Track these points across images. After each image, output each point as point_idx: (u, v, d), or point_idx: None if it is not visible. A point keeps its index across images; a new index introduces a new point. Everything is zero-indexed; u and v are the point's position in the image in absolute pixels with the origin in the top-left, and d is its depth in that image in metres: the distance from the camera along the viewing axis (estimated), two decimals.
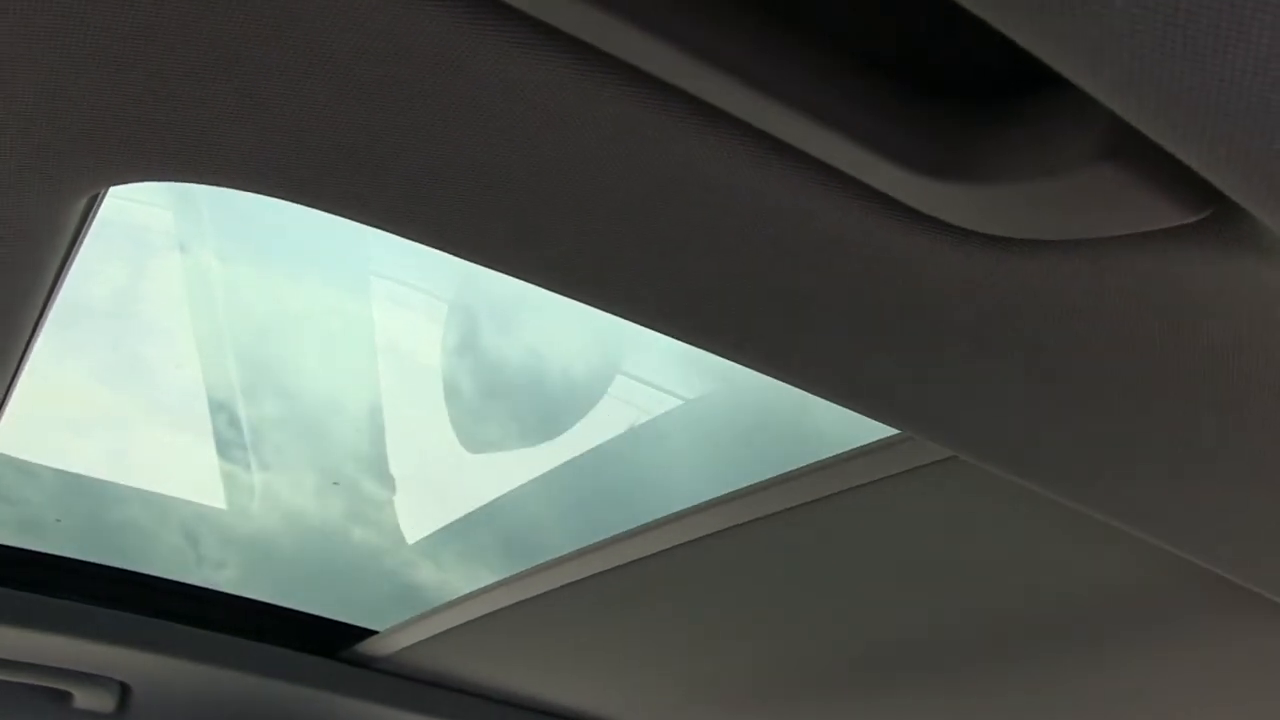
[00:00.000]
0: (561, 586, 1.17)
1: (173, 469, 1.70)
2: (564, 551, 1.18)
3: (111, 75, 0.51)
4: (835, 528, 0.97)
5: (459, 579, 1.78)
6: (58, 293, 0.72)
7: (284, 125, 0.53)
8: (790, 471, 0.94)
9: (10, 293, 0.70)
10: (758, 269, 0.57)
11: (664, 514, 1.05)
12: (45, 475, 1.64)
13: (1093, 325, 0.56)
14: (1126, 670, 1.05)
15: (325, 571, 1.77)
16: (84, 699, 1.42)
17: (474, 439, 1.68)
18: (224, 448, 1.65)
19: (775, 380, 0.67)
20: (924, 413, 0.68)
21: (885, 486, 0.89)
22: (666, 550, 1.05)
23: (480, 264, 0.61)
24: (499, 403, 1.64)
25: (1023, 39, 0.37)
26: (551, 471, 1.61)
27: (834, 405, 0.69)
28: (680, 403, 1.56)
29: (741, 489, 0.97)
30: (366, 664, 1.51)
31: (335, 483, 1.71)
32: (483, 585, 1.28)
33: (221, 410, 1.61)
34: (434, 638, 1.40)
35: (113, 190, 0.62)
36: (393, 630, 1.45)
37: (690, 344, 0.65)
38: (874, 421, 0.71)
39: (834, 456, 0.91)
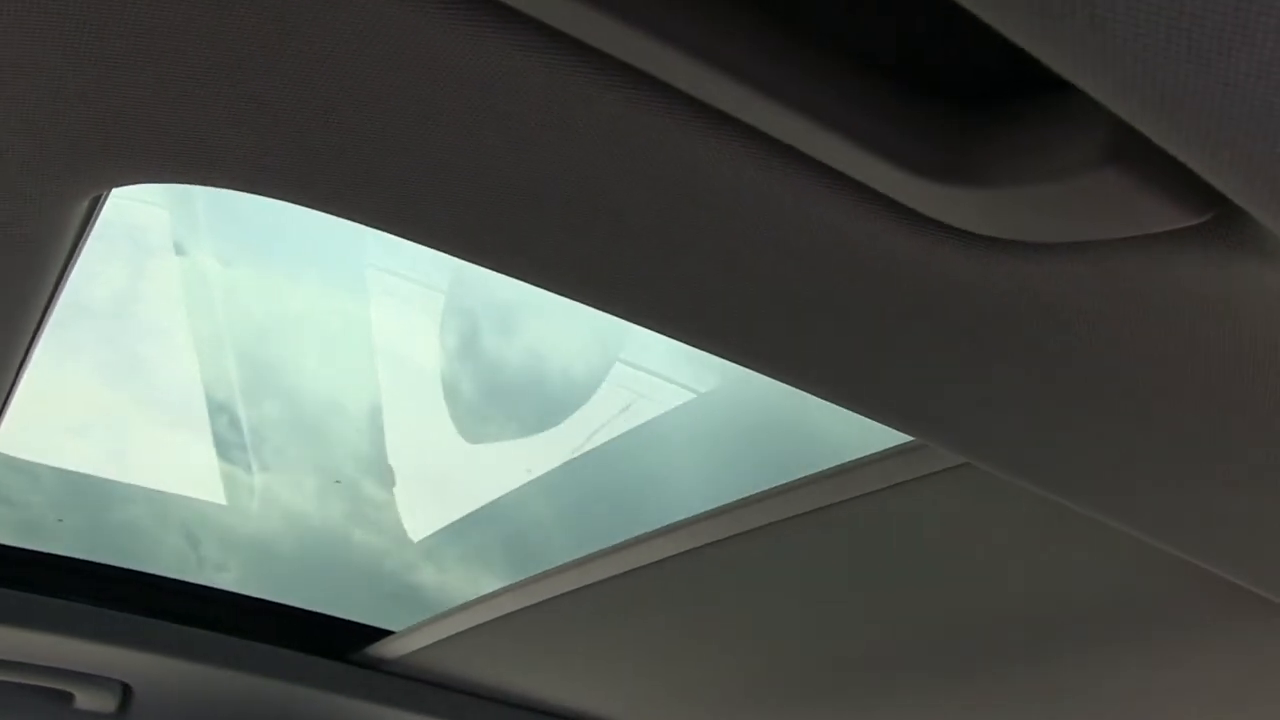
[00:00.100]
0: (569, 591, 1.18)
1: (173, 469, 1.70)
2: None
3: (113, 77, 0.51)
4: (838, 534, 0.98)
5: (459, 580, 1.78)
6: (60, 294, 0.72)
7: (285, 127, 0.53)
8: (794, 480, 0.95)
9: (12, 294, 0.70)
10: (760, 271, 0.57)
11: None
12: (46, 476, 1.64)
13: (1094, 327, 0.56)
14: (1129, 672, 1.05)
15: (326, 572, 1.77)
16: (85, 700, 1.42)
17: (474, 439, 1.68)
18: (224, 448, 1.65)
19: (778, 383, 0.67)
20: (924, 414, 0.68)
21: (891, 494, 0.89)
22: (675, 556, 1.06)
23: (482, 265, 0.61)
24: (499, 402, 1.64)
25: (1025, 42, 0.37)
26: (552, 472, 1.62)
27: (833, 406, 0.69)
28: (683, 402, 1.56)
29: (749, 496, 0.98)
30: (374, 666, 1.51)
31: (337, 481, 1.71)
32: (488, 589, 1.29)
33: (221, 411, 1.61)
34: (442, 641, 1.40)
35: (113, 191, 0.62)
36: (401, 634, 1.45)
37: (692, 346, 0.65)
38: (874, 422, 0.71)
39: (837, 466, 0.92)
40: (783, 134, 0.48)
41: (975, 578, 0.97)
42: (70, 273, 0.70)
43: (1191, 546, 0.74)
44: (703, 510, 1.04)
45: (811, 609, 1.10)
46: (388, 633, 1.54)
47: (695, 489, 1.56)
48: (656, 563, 1.08)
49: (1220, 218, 0.46)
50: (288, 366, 1.64)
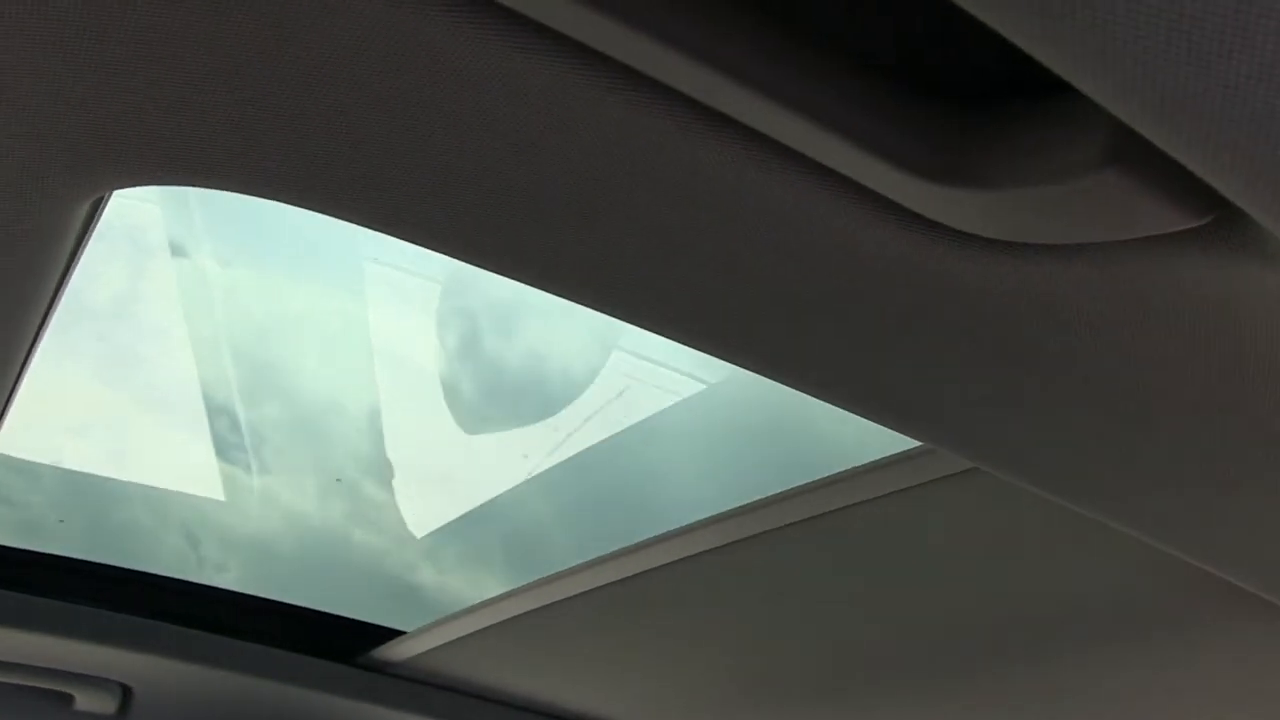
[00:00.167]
0: (575, 595, 1.18)
1: (173, 469, 1.70)
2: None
3: (113, 81, 0.51)
4: (841, 539, 0.98)
5: (459, 581, 1.78)
6: (61, 296, 0.72)
7: (285, 131, 0.53)
8: (797, 486, 0.96)
9: (14, 296, 0.70)
10: (761, 273, 0.57)
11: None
12: (47, 476, 1.64)
13: (1095, 329, 0.56)
14: (1129, 673, 1.05)
15: (326, 573, 1.77)
16: (85, 701, 1.42)
17: (475, 439, 1.68)
18: (224, 449, 1.65)
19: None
20: (924, 415, 0.68)
21: (893, 500, 0.90)
22: (681, 560, 1.06)
23: (482, 268, 0.61)
24: (499, 401, 1.64)
25: (1025, 44, 0.37)
26: (551, 470, 1.62)
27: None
28: (690, 395, 1.56)
29: (755, 501, 1.00)
30: (378, 669, 1.51)
31: (338, 479, 1.71)
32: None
33: (221, 412, 1.62)
34: (448, 644, 1.40)
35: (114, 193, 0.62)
36: (406, 637, 1.45)
37: (693, 348, 0.65)
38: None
39: (840, 472, 0.93)
40: (784, 136, 0.48)
41: (976, 580, 0.98)
42: (72, 274, 0.70)
43: (1191, 547, 0.74)
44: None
45: (814, 612, 1.10)
46: (387, 633, 1.54)
47: (698, 486, 1.57)
48: (663, 566, 1.08)
49: (1221, 220, 0.46)
50: (288, 366, 1.64)
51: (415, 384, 1.66)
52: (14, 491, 1.65)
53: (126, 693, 1.43)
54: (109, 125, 0.54)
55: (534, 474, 1.63)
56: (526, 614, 1.25)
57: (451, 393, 1.63)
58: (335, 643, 1.52)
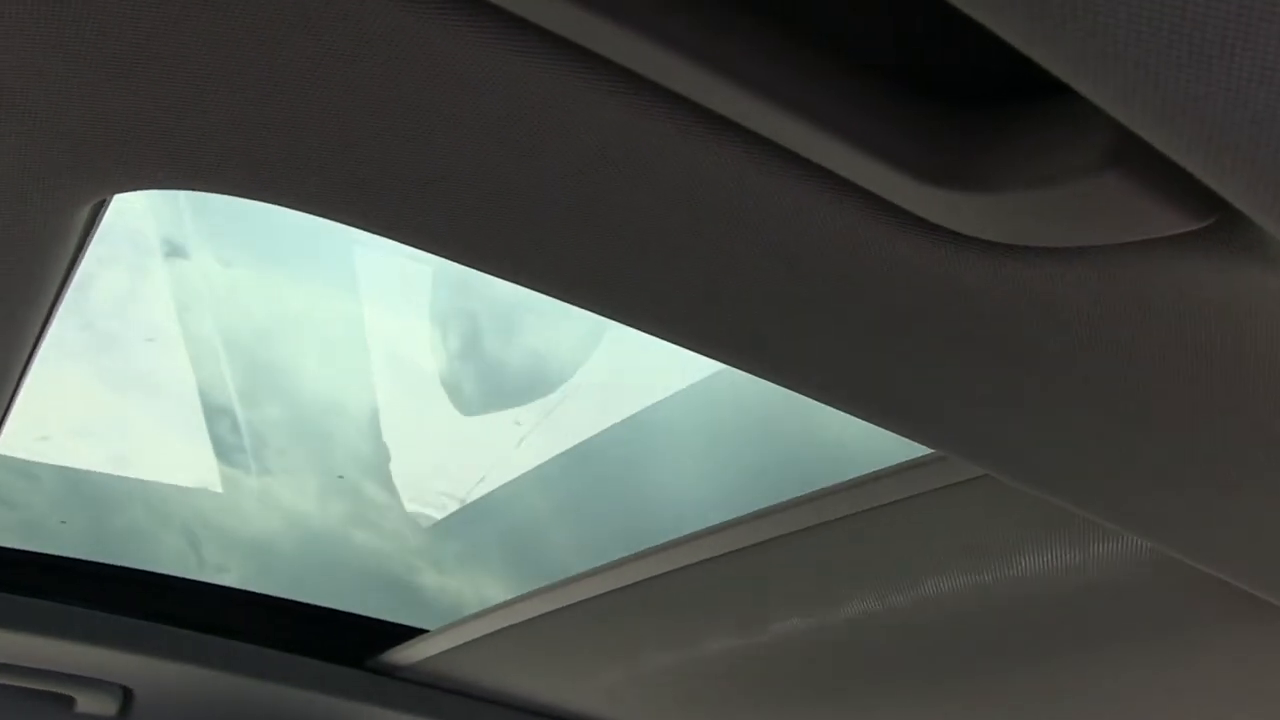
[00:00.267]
0: (583, 600, 1.19)
1: (174, 470, 1.70)
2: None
3: (114, 83, 0.51)
4: (846, 545, 0.99)
5: (460, 582, 1.79)
6: (63, 299, 0.72)
7: (285, 133, 0.53)
8: (805, 495, 0.97)
9: (16, 299, 0.70)
10: (761, 275, 0.57)
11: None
12: (48, 478, 1.64)
13: (1095, 330, 0.56)
14: (1130, 673, 1.05)
15: (327, 573, 1.77)
16: (86, 703, 1.42)
17: (474, 436, 1.69)
18: (224, 450, 1.65)
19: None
20: (923, 416, 0.68)
21: (896, 509, 0.91)
22: (690, 565, 1.07)
23: (482, 271, 0.61)
24: (499, 399, 1.64)
25: (1025, 47, 0.37)
26: (551, 467, 1.62)
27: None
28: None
29: (767, 508, 1.01)
30: (386, 672, 1.51)
31: (340, 476, 1.72)
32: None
33: (222, 413, 1.62)
34: (456, 648, 1.41)
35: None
36: (414, 641, 1.46)
37: (695, 351, 0.65)
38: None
39: (843, 481, 0.94)
40: (784, 139, 0.48)
41: (977, 583, 0.98)
42: (73, 277, 0.70)
43: (1191, 549, 0.74)
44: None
45: (817, 616, 1.11)
46: (388, 633, 1.54)
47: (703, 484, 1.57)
48: (672, 571, 1.09)
49: (1222, 222, 0.46)
50: (288, 367, 1.64)
51: (415, 382, 1.66)
52: (15, 493, 1.65)
53: (127, 695, 1.43)
54: (110, 129, 0.54)
55: (532, 470, 1.63)
56: (533, 619, 1.26)
57: (451, 390, 1.63)
58: (339, 644, 1.52)
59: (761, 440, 1.49)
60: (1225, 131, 0.37)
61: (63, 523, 1.66)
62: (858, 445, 1.01)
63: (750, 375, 0.67)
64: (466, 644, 1.39)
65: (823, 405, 0.68)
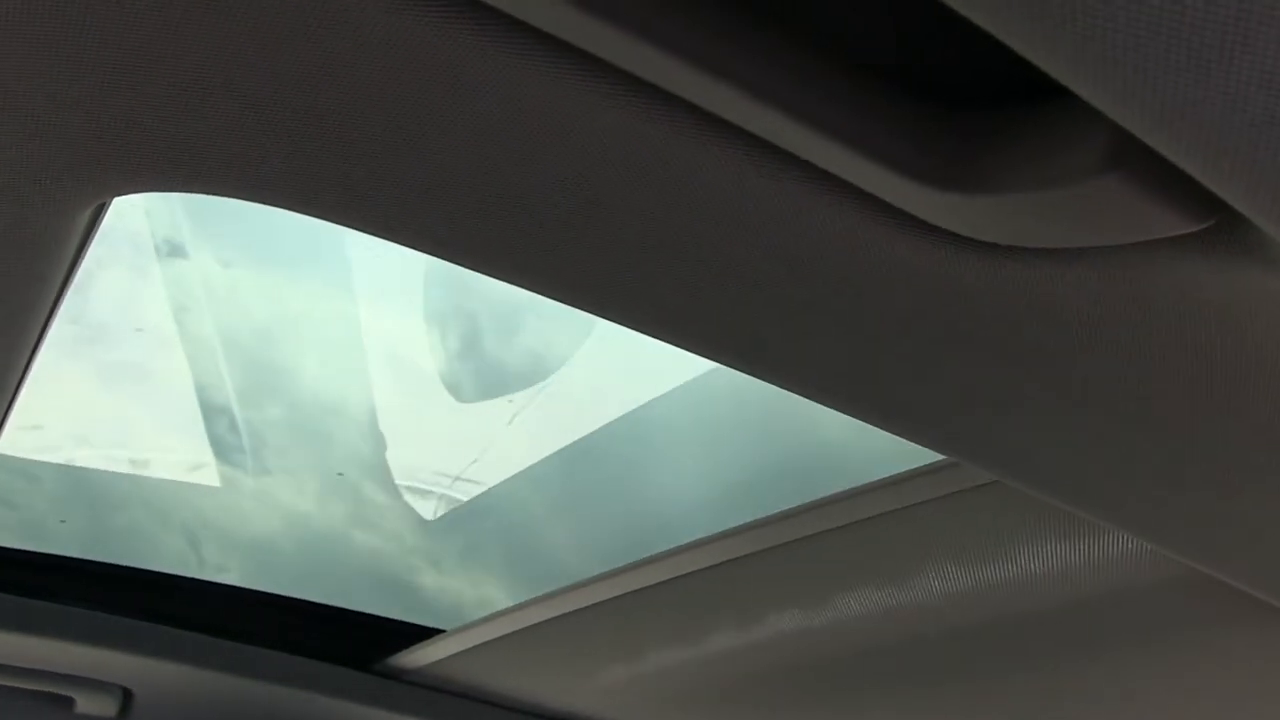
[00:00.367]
0: (588, 606, 1.19)
1: (174, 470, 1.70)
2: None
3: (116, 88, 0.51)
4: (846, 554, 1.00)
5: (460, 583, 1.79)
6: (63, 301, 0.72)
7: (285, 137, 0.53)
8: (801, 505, 0.98)
9: (16, 302, 0.70)
10: (761, 278, 0.57)
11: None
12: (48, 479, 1.64)
13: (1095, 332, 0.56)
14: (1130, 675, 1.05)
15: (327, 573, 1.77)
16: (86, 704, 1.42)
17: (474, 436, 1.69)
18: (224, 450, 1.65)
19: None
20: (923, 417, 0.68)
21: (897, 517, 0.92)
22: (698, 571, 1.08)
23: (483, 273, 0.61)
24: (499, 399, 1.64)
25: (1024, 50, 0.37)
26: (548, 466, 1.62)
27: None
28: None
29: (775, 514, 1.01)
30: (384, 674, 1.51)
31: (339, 474, 1.72)
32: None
33: (221, 413, 1.62)
34: (463, 652, 1.41)
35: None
36: (421, 645, 1.46)
37: (695, 353, 0.65)
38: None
39: (848, 490, 0.95)
40: (784, 141, 0.48)
41: (978, 587, 0.98)
42: (74, 279, 0.70)
43: (1191, 550, 0.74)
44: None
45: (819, 620, 1.11)
46: (389, 634, 1.54)
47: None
48: (680, 577, 1.10)
49: (1222, 223, 0.46)
50: (288, 367, 1.64)
51: (415, 381, 1.67)
52: (16, 494, 1.65)
53: (127, 695, 1.43)
54: (111, 132, 0.54)
55: (531, 468, 1.63)
56: (540, 624, 1.26)
57: (452, 389, 1.63)
58: (341, 646, 1.52)
59: (760, 435, 1.50)
60: (1224, 135, 0.37)
61: (62, 522, 1.67)
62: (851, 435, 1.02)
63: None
64: (472, 648, 1.39)
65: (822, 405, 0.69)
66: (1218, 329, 0.53)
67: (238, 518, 1.74)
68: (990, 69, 0.47)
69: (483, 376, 1.60)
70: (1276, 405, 0.58)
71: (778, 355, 0.64)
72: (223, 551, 1.75)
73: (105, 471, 1.68)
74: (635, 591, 1.14)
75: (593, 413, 1.57)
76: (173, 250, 1.45)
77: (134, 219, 1.40)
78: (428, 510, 1.75)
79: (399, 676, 1.52)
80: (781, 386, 0.66)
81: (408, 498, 1.73)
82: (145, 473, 1.69)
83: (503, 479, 1.68)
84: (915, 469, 0.90)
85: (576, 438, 1.58)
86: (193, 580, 1.56)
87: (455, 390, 1.62)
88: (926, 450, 0.72)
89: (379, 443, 1.68)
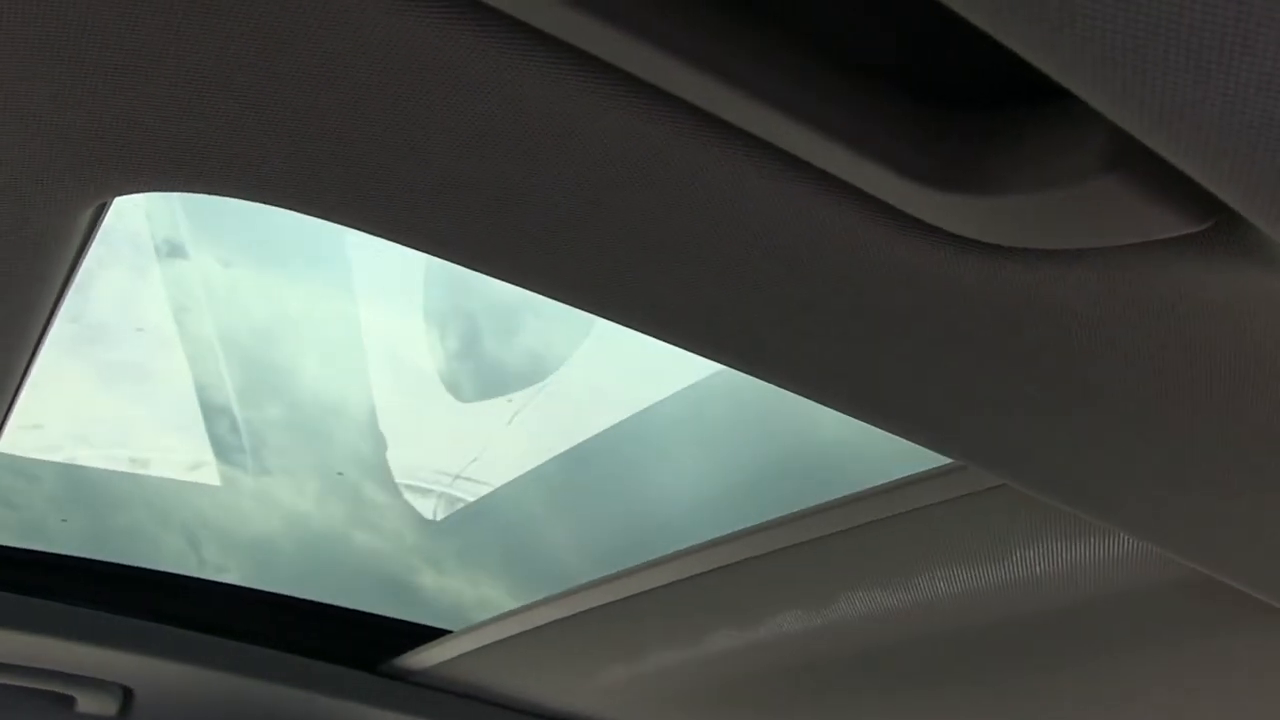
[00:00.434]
0: (591, 609, 1.19)
1: (174, 471, 1.70)
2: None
3: (117, 88, 0.51)
4: (847, 558, 1.00)
5: (460, 583, 1.79)
6: (64, 300, 0.72)
7: (287, 137, 0.53)
8: (801, 510, 0.99)
9: (17, 302, 0.70)
10: (762, 278, 0.57)
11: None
12: (48, 479, 1.64)
13: (1095, 332, 0.56)
14: (1130, 676, 1.06)
15: (327, 573, 1.77)
16: (86, 703, 1.42)
17: (474, 434, 1.69)
18: (224, 450, 1.65)
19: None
20: (923, 418, 0.68)
21: (901, 520, 0.92)
22: (702, 574, 1.08)
23: (485, 274, 0.61)
24: (499, 399, 1.64)
25: (1024, 51, 0.37)
26: (551, 468, 1.62)
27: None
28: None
29: (781, 517, 1.02)
30: (384, 675, 1.51)
31: (339, 473, 1.72)
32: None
33: (221, 413, 1.62)
34: (468, 654, 1.41)
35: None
36: (426, 647, 1.46)
37: (697, 354, 0.65)
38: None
39: (848, 495, 0.95)
40: (785, 142, 0.49)
41: (979, 589, 0.98)
42: (75, 278, 0.70)
43: (1191, 551, 0.74)
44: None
45: (820, 622, 1.11)
46: (390, 633, 1.54)
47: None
48: (684, 580, 1.10)
49: (1222, 224, 0.46)
50: (288, 367, 1.64)
51: (415, 381, 1.67)
52: (16, 494, 1.65)
53: (128, 694, 1.43)
54: (112, 133, 0.54)
55: (533, 470, 1.63)
56: (543, 626, 1.26)
57: (451, 390, 1.63)
58: (342, 645, 1.52)
59: (760, 436, 1.50)
60: (1223, 137, 0.37)
61: (63, 521, 1.67)
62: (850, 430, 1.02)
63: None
64: (476, 650, 1.39)
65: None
66: (1217, 329, 0.54)
67: (238, 517, 1.74)
68: (990, 70, 0.47)
69: (482, 376, 1.60)
70: (1276, 405, 0.58)
71: (778, 355, 0.64)
72: (222, 551, 1.75)
73: (106, 471, 1.68)
74: (639, 594, 1.15)
75: (592, 413, 1.57)
76: (173, 250, 1.45)
77: (134, 219, 1.39)
78: (427, 510, 1.76)
79: (400, 677, 1.52)
80: (781, 386, 0.66)
81: (407, 497, 1.73)
82: (145, 472, 1.69)
83: (502, 479, 1.68)
84: (919, 473, 0.90)
85: (576, 437, 1.58)
86: (194, 580, 1.56)
87: (455, 390, 1.62)
88: (927, 451, 0.72)
89: (379, 442, 1.68)
